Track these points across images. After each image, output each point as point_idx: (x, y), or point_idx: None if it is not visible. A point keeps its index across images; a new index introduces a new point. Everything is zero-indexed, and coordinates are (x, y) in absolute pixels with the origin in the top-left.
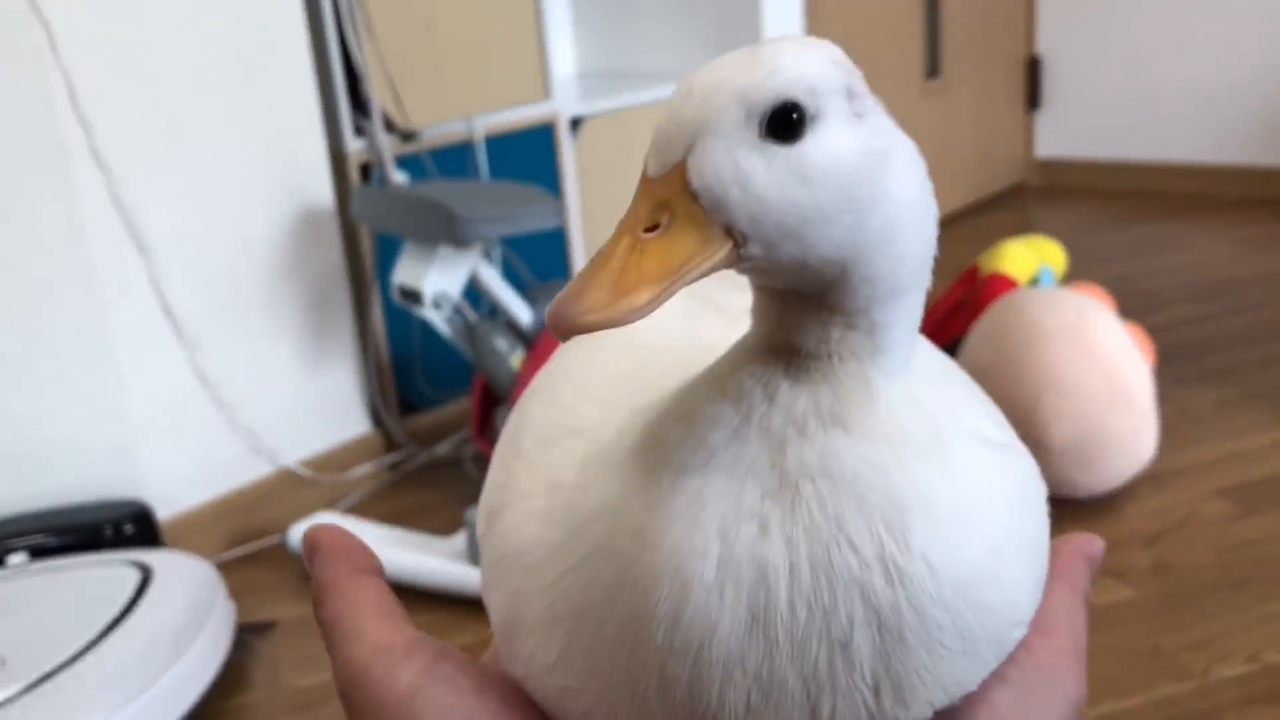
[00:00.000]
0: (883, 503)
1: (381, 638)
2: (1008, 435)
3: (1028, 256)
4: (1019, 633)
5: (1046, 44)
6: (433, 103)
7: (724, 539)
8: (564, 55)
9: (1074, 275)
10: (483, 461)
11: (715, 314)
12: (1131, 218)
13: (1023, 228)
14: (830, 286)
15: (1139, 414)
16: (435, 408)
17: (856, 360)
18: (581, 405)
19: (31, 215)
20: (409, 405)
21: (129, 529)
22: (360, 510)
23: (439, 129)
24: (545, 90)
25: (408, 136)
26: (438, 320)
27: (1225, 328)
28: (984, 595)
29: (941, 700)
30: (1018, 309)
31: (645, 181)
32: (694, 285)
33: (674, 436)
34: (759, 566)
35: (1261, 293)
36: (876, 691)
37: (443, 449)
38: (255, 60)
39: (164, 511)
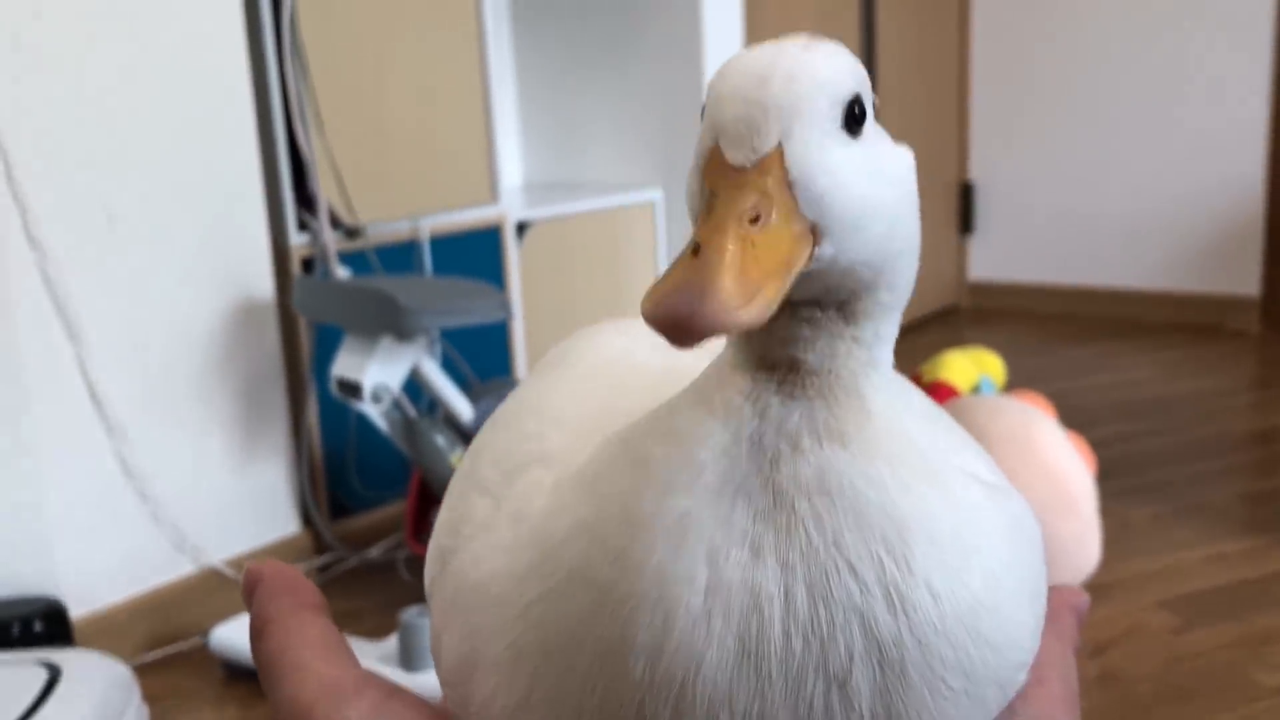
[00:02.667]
0: (883, 522)
1: (327, 675)
2: (1001, 480)
3: (968, 366)
4: (1022, 677)
5: (978, 170)
6: (379, 200)
7: (713, 563)
8: (511, 165)
9: (1010, 389)
10: (417, 565)
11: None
12: (1061, 339)
13: (956, 346)
14: (857, 294)
15: (1084, 520)
16: (368, 510)
17: (852, 375)
18: (549, 434)
19: None
20: (341, 506)
21: (39, 627)
22: None
23: (385, 227)
24: (493, 193)
25: (353, 233)
26: (376, 415)
27: (1156, 445)
28: (987, 629)
29: None
30: (961, 415)
31: (731, 169)
32: None
33: (657, 455)
34: (751, 593)
35: (1188, 412)
36: None
37: (374, 552)
38: (201, 148)
39: (78, 610)
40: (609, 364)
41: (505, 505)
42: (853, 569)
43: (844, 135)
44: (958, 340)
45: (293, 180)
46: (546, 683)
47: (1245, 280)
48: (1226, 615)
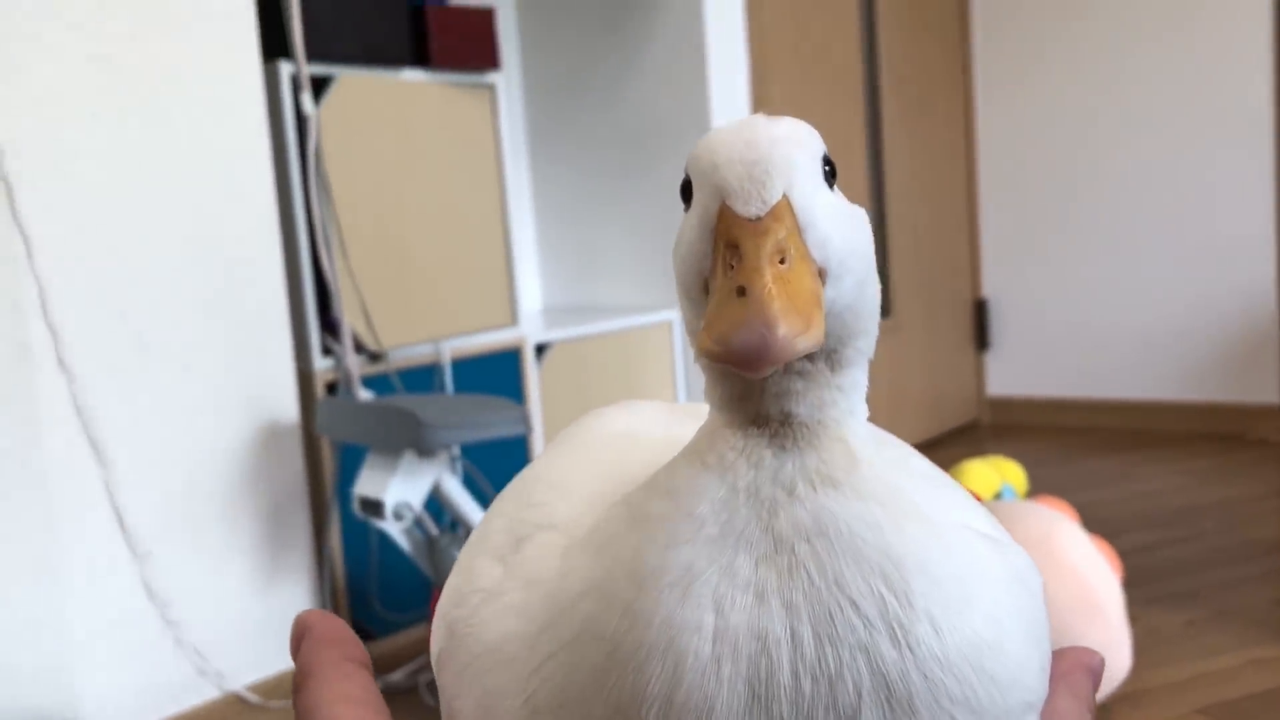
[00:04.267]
0: (881, 560)
1: None
2: (1002, 534)
3: (989, 474)
4: (1030, 719)
5: (992, 287)
6: (402, 325)
7: (719, 610)
8: (530, 289)
9: (1032, 498)
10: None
11: (690, 419)
12: (1082, 452)
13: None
14: (843, 341)
15: (1112, 625)
16: (390, 634)
17: (838, 424)
18: (558, 502)
19: None
20: (363, 631)
21: None
22: None
23: (407, 350)
24: (513, 316)
25: (376, 357)
26: (397, 533)
27: (1183, 553)
28: (991, 665)
29: None
30: None
31: (743, 221)
32: (673, 405)
33: (658, 512)
34: (758, 637)
35: (1214, 520)
36: None
37: (397, 676)
38: (228, 276)
39: None
40: (613, 438)
41: (516, 570)
42: (855, 606)
43: (825, 186)
44: (978, 455)
45: (317, 306)
46: None
47: (1264, 388)
48: None
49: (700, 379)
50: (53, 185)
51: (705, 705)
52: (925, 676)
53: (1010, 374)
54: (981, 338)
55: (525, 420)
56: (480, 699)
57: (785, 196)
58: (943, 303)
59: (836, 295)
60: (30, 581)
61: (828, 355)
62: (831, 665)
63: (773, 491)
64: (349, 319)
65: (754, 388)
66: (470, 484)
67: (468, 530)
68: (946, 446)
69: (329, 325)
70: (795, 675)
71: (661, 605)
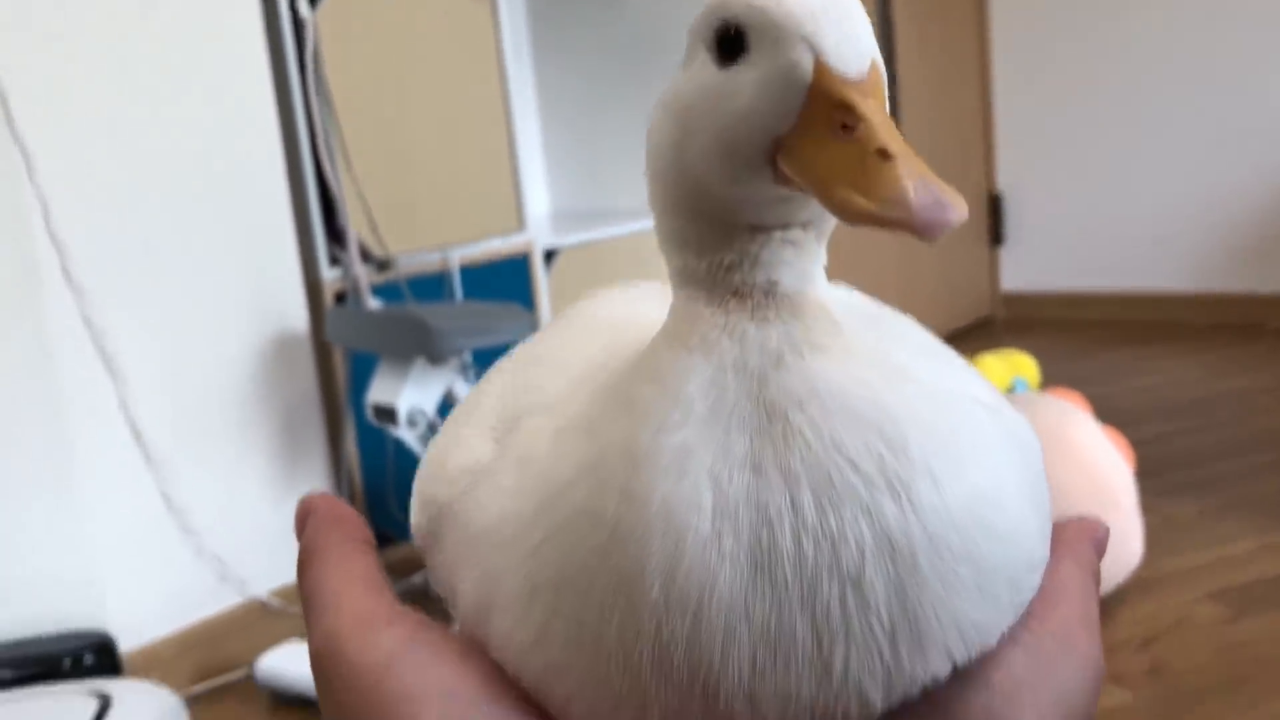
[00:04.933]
0: (877, 417)
1: (363, 607)
2: (1001, 401)
3: (1002, 368)
4: (1033, 580)
5: (1006, 181)
6: (409, 233)
7: (717, 486)
8: (537, 193)
9: (1046, 390)
10: None
11: None
12: (1098, 345)
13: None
14: (823, 214)
15: (1125, 515)
16: (408, 539)
17: (818, 294)
18: (550, 383)
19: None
20: (382, 537)
21: (89, 660)
22: None
23: (415, 258)
24: (520, 222)
25: (384, 265)
26: (412, 439)
27: (1199, 443)
28: (992, 518)
29: (960, 650)
30: None
31: (854, 81)
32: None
33: (648, 396)
34: (758, 508)
35: (1233, 410)
36: (893, 636)
37: (417, 579)
38: (231, 187)
39: (127, 643)
40: (609, 320)
41: (508, 451)
42: (854, 465)
43: None
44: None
45: (322, 215)
46: (563, 615)
47: None
48: (1277, 605)
49: None
50: (49, 98)
51: (708, 579)
52: (927, 531)
53: (1024, 268)
54: (995, 232)
55: (534, 326)
56: (480, 579)
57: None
58: None
59: None
60: (50, 496)
61: (815, 225)
62: (834, 527)
63: (760, 363)
64: (355, 227)
65: (744, 258)
66: None
67: None
68: (959, 343)
69: (335, 234)
70: (797, 541)
71: (659, 486)
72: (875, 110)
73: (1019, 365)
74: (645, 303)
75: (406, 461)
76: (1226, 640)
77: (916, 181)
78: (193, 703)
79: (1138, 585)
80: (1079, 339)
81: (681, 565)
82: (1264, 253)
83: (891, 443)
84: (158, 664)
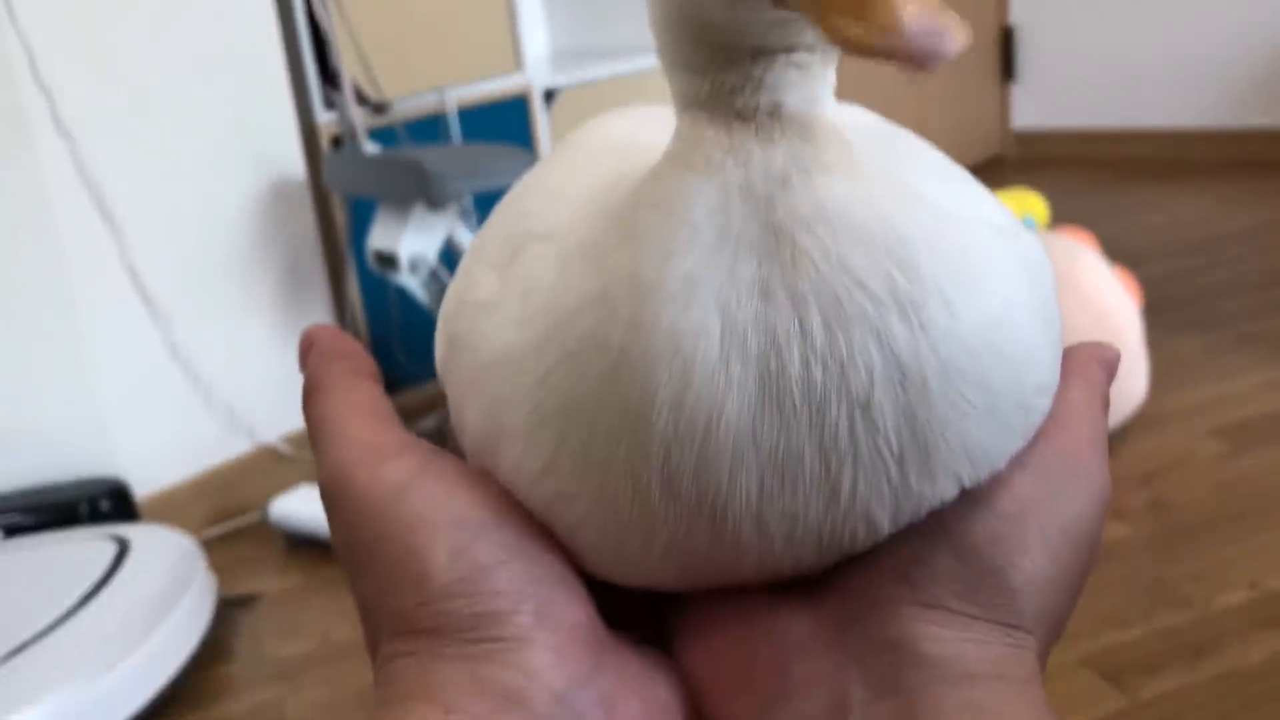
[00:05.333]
0: (888, 237)
1: (371, 437)
2: (1014, 222)
3: (1010, 207)
4: (1043, 402)
5: (1019, 15)
6: (404, 74)
7: (725, 312)
8: (536, 31)
9: (1055, 229)
10: None
11: None
12: (1110, 184)
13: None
14: None
15: (1129, 353)
16: (416, 384)
17: (827, 115)
18: (553, 210)
19: None
20: (389, 382)
21: (105, 506)
22: None
23: (411, 101)
24: (517, 62)
25: (379, 108)
26: (414, 285)
27: (1209, 280)
28: (1002, 341)
29: (968, 473)
30: None
31: None
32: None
33: (652, 223)
34: (766, 333)
35: (1242, 248)
36: (901, 460)
37: (427, 423)
38: (222, 30)
39: (142, 489)
40: (612, 145)
41: (513, 282)
42: (863, 286)
43: None
44: (1004, 189)
45: (316, 58)
46: (571, 442)
47: None
48: (1276, 440)
49: None
50: None
51: (716, 404)
52: (937, 354)
53: (1036, 105)
54: (1007, 68)
55: (533, 166)
56: (488, 409)
57: None
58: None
59: None
60: (56, 347)
61: (824, 48)
62: (843, 350)
63: (766, 186)
64: (348, 70)
65: (748, 80)
66: None
67: None
68: None
69: (329, 78)
70: (805, 365)
71: (665, 314)
72: None
73: (1028, 204)
74: (648, 126)
75: (410, 307)
76: (1226, 475)
77: (914, 8)
78: (208, 545)
79: (1141, 421)
80: (1091, 177)
81: (689, 392)
82: (1278, 87)
83: (902, 263)
84: (172, 509)
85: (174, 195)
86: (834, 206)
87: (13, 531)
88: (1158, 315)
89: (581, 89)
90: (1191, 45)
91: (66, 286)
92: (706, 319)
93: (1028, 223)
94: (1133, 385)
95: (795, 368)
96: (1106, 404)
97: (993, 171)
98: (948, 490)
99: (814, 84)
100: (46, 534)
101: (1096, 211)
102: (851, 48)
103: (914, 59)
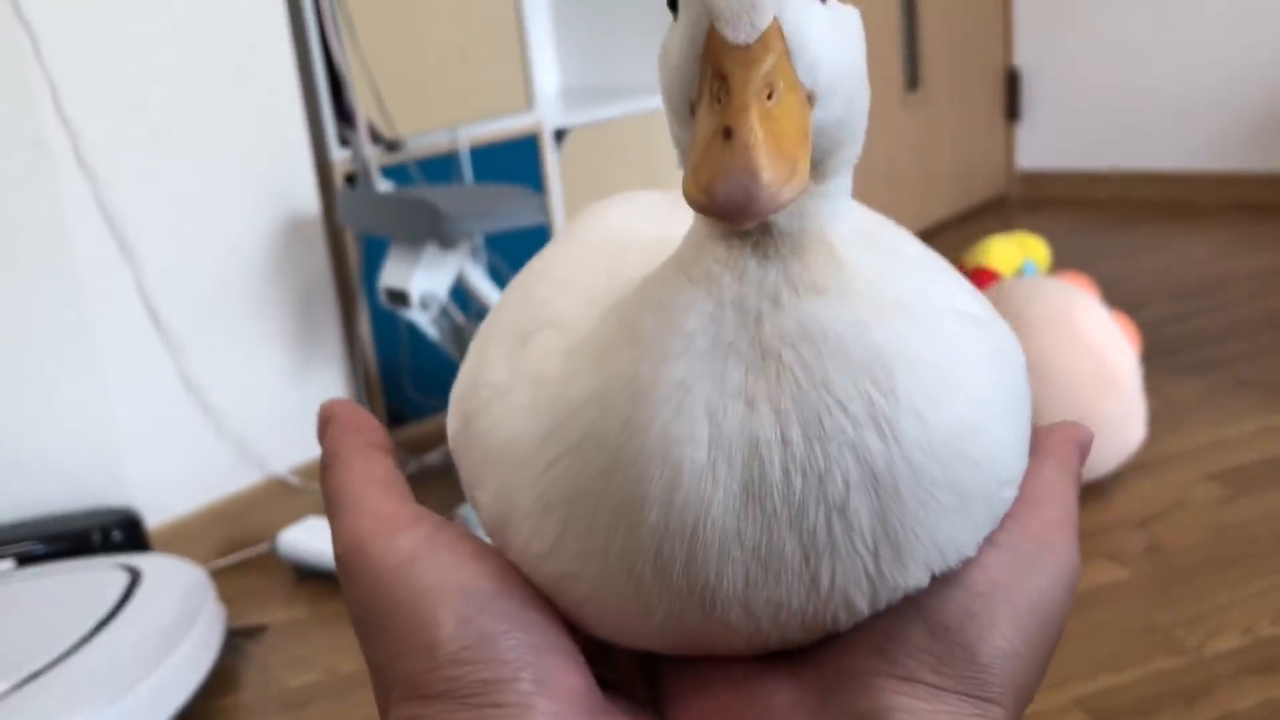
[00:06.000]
0: (867, 358)
1: (384, 509)
2: (986, 310)
3: (1012, 251)
4: (1009, 493)
5: (1025, 56)
6: (417, 113)
7: (712, 420)
8: (547, 71)
9: (1056, 273)
10: None
11: (689, 212)
12: (1112, 225)
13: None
14: (828, 153)
15: (1126, 398)
16: (424, 418)
17: (821, 230)
18: (557, 300)
19: (15, 220)
20: (397, 415)
21: (117, 536)
22: None
23: (424, 139)
24: (529, 101)
25: (393, 146)
26: (424, 322)
27: (1208, 324)
28: (971, 448)
29: (939, 563)
30: (1004, 298)
31: (732, 49)
32: (673, 195)
33: (651, 327)
34: (750, 442)
35: (1241, 291)
36: (876, 554)
37: (432, 457)
38: (240, 67)
39: (153, 519)
40: (614, 234)
41: (521, 368)
42: (843, 406)
43: (818, 3)
44: (1007, 229)
45: (331, 95)
46: (574, 530)
47: None
48: (1273, 486)
49: None
50: None
51: (703, 505)
52: (909, 464)
53: (1041, 145)
54: (1012, 108)
55: (543, 209)
56: (498, 492)
57: (776, 20)
58: (973, 72)
59: (825, 115)
60: (73, 377)
61: (813, 167)
62: (820, 461)
63: (758, 302)
64: (363, 108)
65: None
66: (494, 273)
67: None
68: (974, 221)
69: (344, 115)
70: (786, 473)
71: (658, 418)
72: (741, 83)
73: (1029, 247)
74: (648, 216)
75: (419, 342)
76: (1222, 520)
77: (736, 170)
78: (216, 576)
79: (1138, 465)
80: (1093, 218)
81: (679, 492)
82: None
83: (879, 383)
84: (182, 539)
85: (191, 229)
86: (819, 328)
87: (25, 560)
88: (1157, 358)
89: (591, 128)
90: (1194, 89)
91: (83, 317)
92: (695, 424)
93: (1028, 266)
94: (1129, 433)
95: (776, 474)
96: (1078, 483)
97: (997, 210)
98: (921, 578)
99: (805, 201)
100: (59, 563)
101: (1098, 252)
102: (691, 205)
103: (724, 217)
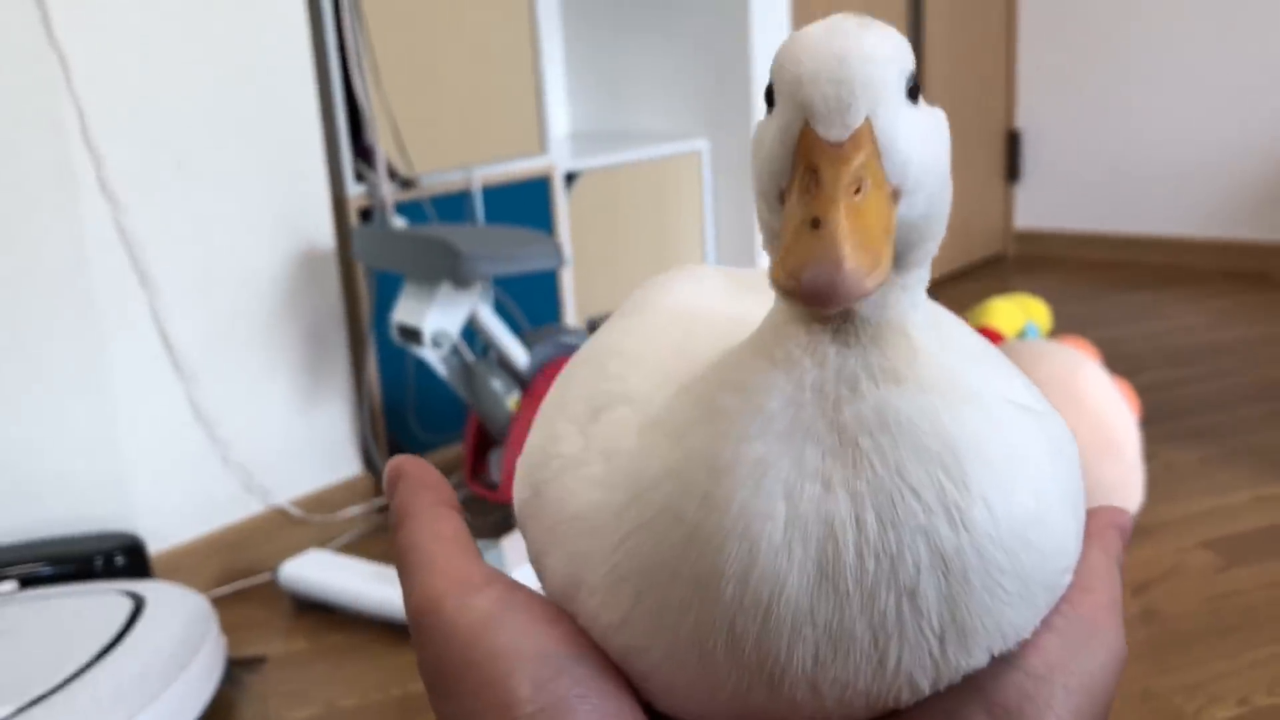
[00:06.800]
0: (940, 449)
1: (457, 569)
2: (1043, 404)
3: (1014, 313)
4: (1067, 579)
5: (1026, 118)
6: (433, 152)
7: (789, 499)
8: (558, 114)
9: (1056, 336)
10: (475, 504)
11: (753, 294)
12: (1108, 287)
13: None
14: (911, 245)
15: (1127, 464)
16: (427, 452)
17: (900, 319)
18: (630, 376)
19: (36, 243)
20: (400, 448)
21: (120, 561)
22: (351, 550)
23: (438, 177)
24: (542, 144)
25: (408, 183)
26: (435, 359)
27: (1205, 391)
28: (1036, 538)
29: (1000, 646)
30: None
31: (829, 146)
32: (731, 272)
33: (731, 407)
34: (825, 522)
35: (1238, 359)
36: (942, 638)
37: None
38: (262, 101)
39: (155, 545)
40: (681, 310)
41: (594, 441)
42: (916, 493)
43: (909, 104)
44: (1004, 288)
45: (350, 132)
46: (646, 604)
47: None
48: (1268, 555)
49: (727, 210)
50: (87, 8)
51: (778, 583)
52: (979, 552)
53: (1039, 207)
54: (1012, 168)
55: (559, 254)
56: (568, 561)
57: (868, 120)
58: (975, 132)
59: (909, 210)
60: (84, 401)
61: (895, 259)
62: (893, 546)
63: (837, 388)
64: (382, 146)
65: None
66: (502, 311)
67: (501, 357)
68: (972, 279)
69: (362, 151)
70: (860, 555)
71: (737, 495)
72: (831, 179)
73: (1031, 310)
74: (713, 293)
75: (426, 377)
76: (1217, 588)
77: (822, 258)
78: (217, 604)
79: (1135, 531)
80: (1090, 280)
81: (754, 570)
82: (1276, 203)
83: (951, 473)
84: (183, 566)
85: (207, 258)
86: (895, 417)
87: (28, 582)
88: (1153, 424)
89: (601, 172)
90: (1191, 155)
91: (98, 342)
92: (773, 503)
93: (1030, 329)
94: (1129, 498)
95: (850, 556)
96: (1121, 567)
97: (994, 269)
98: (981, 660)
99: (887, 292)
100: (62, 586)
101: (1095, 315)
102: (778, 291)
103: (809, 303)
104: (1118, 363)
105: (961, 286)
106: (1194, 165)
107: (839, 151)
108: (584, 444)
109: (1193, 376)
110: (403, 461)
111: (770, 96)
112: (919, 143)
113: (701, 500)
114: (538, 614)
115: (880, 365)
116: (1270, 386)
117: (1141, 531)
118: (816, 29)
